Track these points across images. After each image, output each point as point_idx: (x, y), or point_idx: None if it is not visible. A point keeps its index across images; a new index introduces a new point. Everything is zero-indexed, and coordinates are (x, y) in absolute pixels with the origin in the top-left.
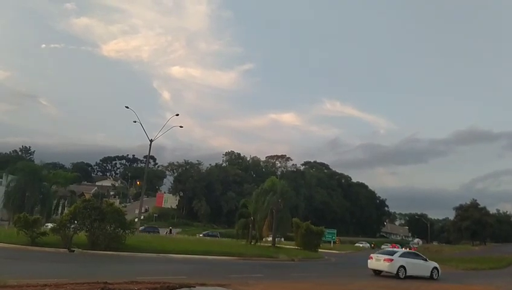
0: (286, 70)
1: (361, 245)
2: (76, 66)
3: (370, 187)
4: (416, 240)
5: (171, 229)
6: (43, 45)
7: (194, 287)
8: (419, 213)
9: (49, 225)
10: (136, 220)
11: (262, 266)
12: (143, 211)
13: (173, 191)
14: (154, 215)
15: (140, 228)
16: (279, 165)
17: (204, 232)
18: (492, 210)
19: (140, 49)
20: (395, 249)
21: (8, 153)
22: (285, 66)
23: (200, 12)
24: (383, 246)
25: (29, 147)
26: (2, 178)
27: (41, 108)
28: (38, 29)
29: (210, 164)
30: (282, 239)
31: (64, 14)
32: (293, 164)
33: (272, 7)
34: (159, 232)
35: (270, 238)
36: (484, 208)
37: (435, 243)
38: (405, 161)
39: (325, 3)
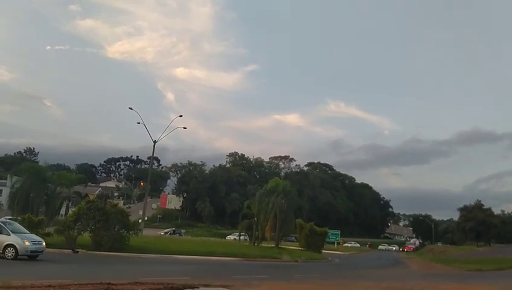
0: (290, 71)
1: (349, 245)
2: (81, 68)
3: (374, 188)
4: (412, 240)
5: (174, 230)
6: (48, 47)
7: (198, 288)
8: (423, 214)
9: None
10: (140, 221)
11: (266, 267)
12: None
13: (177, 192)
14: (158, 216)
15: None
16: (282, 166)
17: (166, 230)
18: (496, 211)
19: (144, 51)
20: None
21: (13, 154)
22: (289, 67)
23: (204, 13)
24: (380, 247)
25: (33, 148)
26: (6, 179)
27: (46, 109)
28: (43, 31)
29: (213, 165)
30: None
31: (69, 16)
32: (296, 165)
33: (275, 8)
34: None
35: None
36: (489, 209)
37: (439, 244)
38: (408, 161)
39: (329, 4)
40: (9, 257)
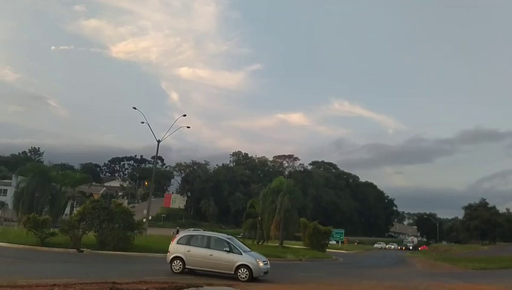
0: (294, 70)
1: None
2: (86, 68)
3: (378, 187)
4: (410, 238)
5: (178, 230)
6: (53, 47)
7: (202, 286)
8: (427, 213)
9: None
10: (145, 220)
11: (270, 266)
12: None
13: (181, 191)
14: (162, 215)
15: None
16: (286, 165)
17: None
18: (501, 209)
19: (149, 51)
20: None
21: (17, 154)
22: (293, 66)
23: (208, 13)
24: (375, 245)
25: (38, 148)
26: (11, 179)
27: (50, 109)
28: (48, 31)
29: (217, 164)
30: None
31: (73, 16)
32: (300, 164)
33: (279, 8)
34: None
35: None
36: (494, 207)
37: (444, 242)
38: (411, 160)
39: (333, 4)
40: (242, 279)
